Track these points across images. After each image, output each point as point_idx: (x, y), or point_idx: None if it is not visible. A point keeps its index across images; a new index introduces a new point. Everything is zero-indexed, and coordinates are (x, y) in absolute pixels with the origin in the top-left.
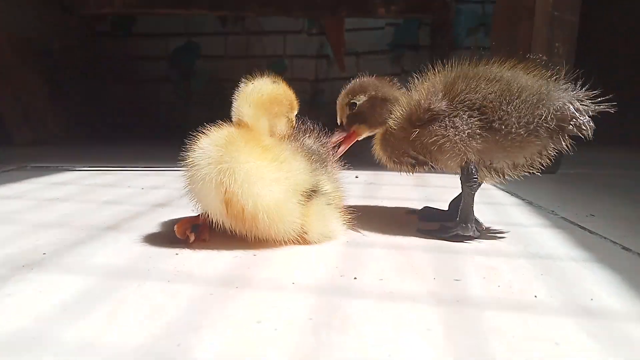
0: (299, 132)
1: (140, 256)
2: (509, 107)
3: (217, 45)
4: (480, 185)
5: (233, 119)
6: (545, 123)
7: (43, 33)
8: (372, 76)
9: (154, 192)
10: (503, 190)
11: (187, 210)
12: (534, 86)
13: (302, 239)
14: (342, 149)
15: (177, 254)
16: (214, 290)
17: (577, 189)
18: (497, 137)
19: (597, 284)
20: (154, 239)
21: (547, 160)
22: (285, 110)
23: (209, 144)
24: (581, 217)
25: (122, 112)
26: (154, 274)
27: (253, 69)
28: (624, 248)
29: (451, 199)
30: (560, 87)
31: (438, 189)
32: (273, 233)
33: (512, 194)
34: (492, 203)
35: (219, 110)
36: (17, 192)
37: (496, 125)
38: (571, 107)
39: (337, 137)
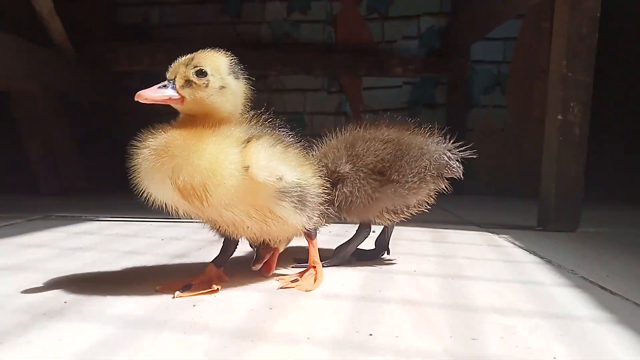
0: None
1: (158, 307)
2: (402, 161)
3: None
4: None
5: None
6: (429, 172)
7: (75, 88)
8: None
9: (173, 243)
10: (522, 248)
11: (206, 260)
12: (416, 143)
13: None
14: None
15: (194, 305)
16: (229, 343)
17: (597, 248)
18: (394, 188)
19: (618, 346)
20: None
21: (432, 200)
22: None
23: (154, 143)
24: (602, 277)
25: None
26: (171, 325)
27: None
28: None
29: (377, 241)
30: (435, 141)
31: (455, 245)
32: (220, 186)
33: (531, 252)
34: (510, 261)
35: None
36: (41, 241)
37: (394, 177)
38: (445, 156)
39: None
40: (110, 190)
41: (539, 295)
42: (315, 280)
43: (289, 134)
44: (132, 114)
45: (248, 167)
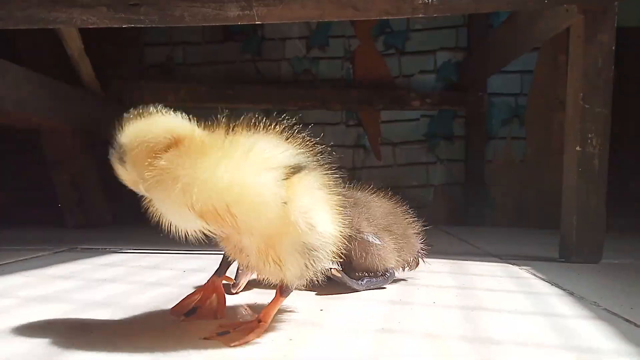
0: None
1: (181, 337)
2: (397, 220)
3: None
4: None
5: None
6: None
7: (101, 125)
8: None
9: (195, 274)
10: (543, 280)
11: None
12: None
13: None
14: None
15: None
16: None
17: (621, 280)
18: (395, 239)
19: None
20: (194, 321)
21: None
22: None
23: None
24: (626, 309)
25: None
26: (194, 356)
27: None
28: None
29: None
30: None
31: (475, 277)
32: (253, 215)
33: (552, 283)
34: (532, 293)
35: None
36: (67, 273)
37: (394, 230)
38: None
39: None
40: (133, 223)
41: (562, 327)
42: (249, 336)
43: (333, 172)
44: None
45: (286, 202)
